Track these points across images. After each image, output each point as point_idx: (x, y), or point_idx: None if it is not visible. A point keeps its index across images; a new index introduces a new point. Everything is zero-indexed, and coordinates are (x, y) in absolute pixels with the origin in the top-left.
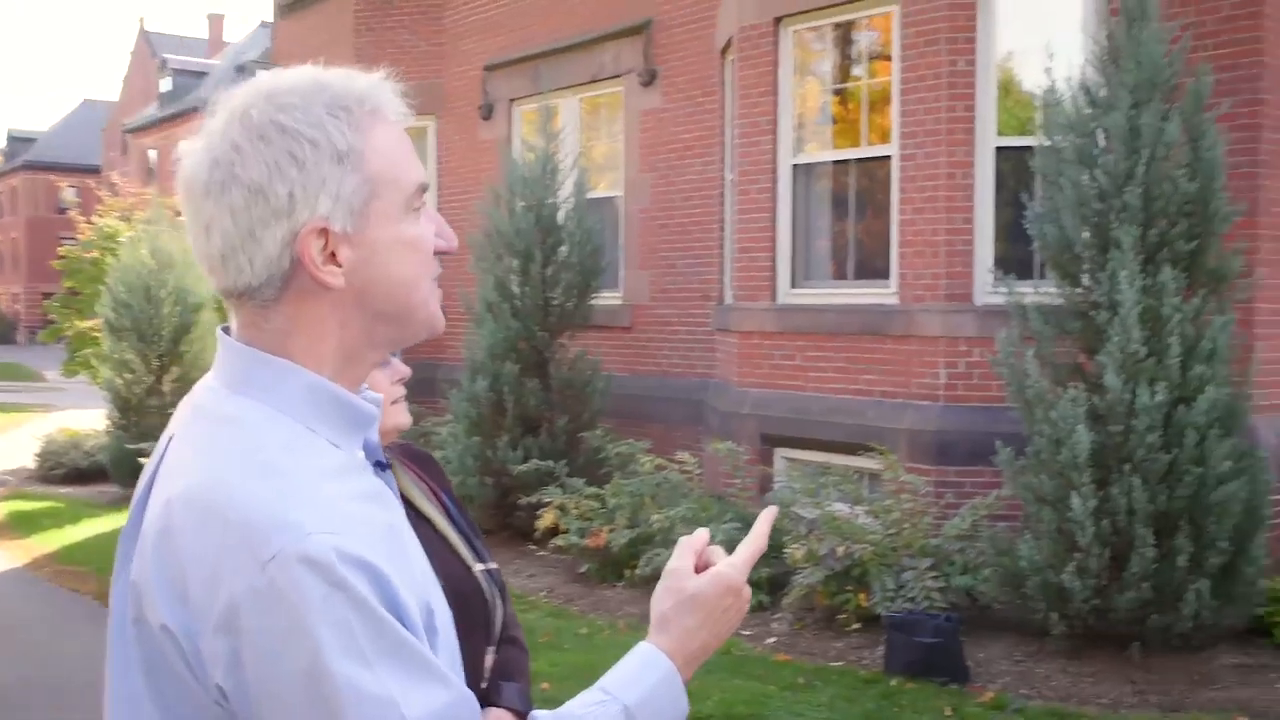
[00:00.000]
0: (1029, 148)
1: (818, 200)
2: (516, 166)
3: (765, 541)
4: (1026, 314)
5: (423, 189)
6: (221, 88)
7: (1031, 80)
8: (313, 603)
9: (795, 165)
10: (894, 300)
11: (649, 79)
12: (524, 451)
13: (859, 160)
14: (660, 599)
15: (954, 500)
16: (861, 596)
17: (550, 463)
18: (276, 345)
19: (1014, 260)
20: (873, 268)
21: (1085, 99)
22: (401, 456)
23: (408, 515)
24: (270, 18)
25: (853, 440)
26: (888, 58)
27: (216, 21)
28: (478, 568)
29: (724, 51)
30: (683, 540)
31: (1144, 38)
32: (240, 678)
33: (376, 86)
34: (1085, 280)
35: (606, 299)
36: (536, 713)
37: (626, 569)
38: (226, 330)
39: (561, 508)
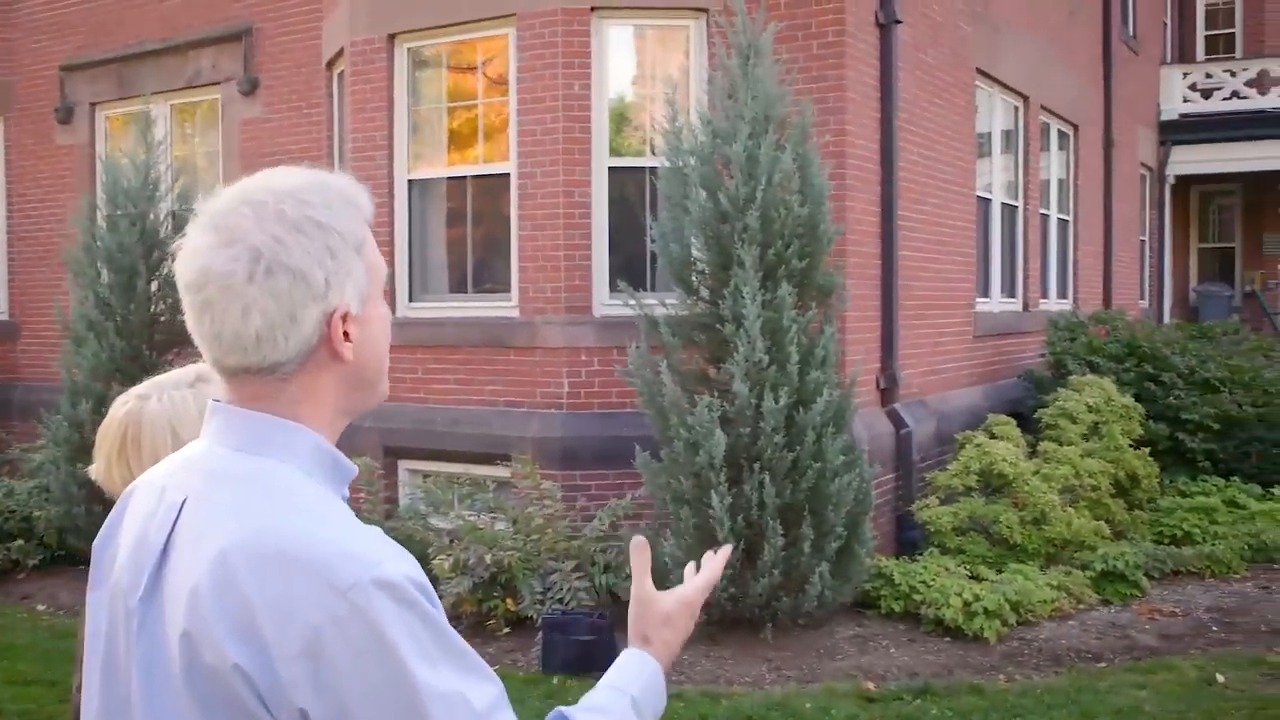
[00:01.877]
0: (640, 168)
1: (435, 215)
2: (116, 177)
3: (719, 573)
4: (656, 326)
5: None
6: None
7: (644, 105)
8: (391, 621)
9: (411, 180)
10: (515, 313)
11: (250, 88)
12: None
13: (478, 177)
14: (641, 620)
15: (585, 503)
16: (509, 601)
17: None
18: (288, 412)
19: (628, 274)
20: (493, 281)
21: (706, 129)
22: None
23: None
24: None
25: (479, 450)
26: (506, 78)
27: None
28: None
29: (331, 64)
30: (635, 564)
31: (758, 74)
32: (326, 697)
33: (358, 186)
34: (705, 294)
35: None
36: (562, 709)
37: None
38: (218, 402)
39: None
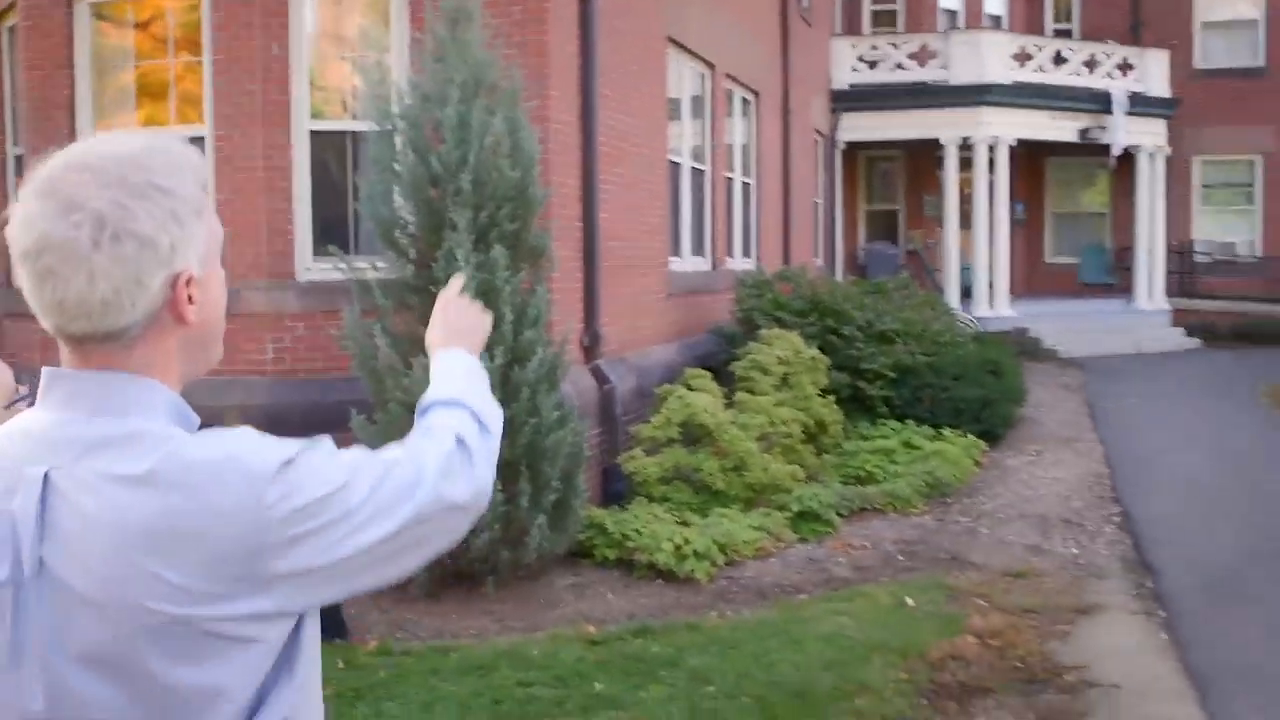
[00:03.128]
0: (343, 132)
1: None
2: None
3: (456, 287)
4: (369, 290)
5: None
6: None
7: (346, 67)
8: (313, 476)
9: None
10: None
11: None
12: None
13: None
14: (430, 333)
15: None
16: None
17: None
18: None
19: (333, 238)
20: None
21: (415, 92)
22: None
23: None
24: None
25: None
26: (199, 37)
27: None
28: None
29: (1, 17)
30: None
31: (467, 39)
32: (311, 565)
33: (192, 149)
34: (414, 256)
35: None
36: (427, 397)
37: None
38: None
39: None
